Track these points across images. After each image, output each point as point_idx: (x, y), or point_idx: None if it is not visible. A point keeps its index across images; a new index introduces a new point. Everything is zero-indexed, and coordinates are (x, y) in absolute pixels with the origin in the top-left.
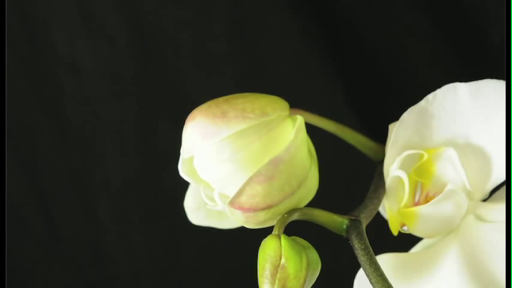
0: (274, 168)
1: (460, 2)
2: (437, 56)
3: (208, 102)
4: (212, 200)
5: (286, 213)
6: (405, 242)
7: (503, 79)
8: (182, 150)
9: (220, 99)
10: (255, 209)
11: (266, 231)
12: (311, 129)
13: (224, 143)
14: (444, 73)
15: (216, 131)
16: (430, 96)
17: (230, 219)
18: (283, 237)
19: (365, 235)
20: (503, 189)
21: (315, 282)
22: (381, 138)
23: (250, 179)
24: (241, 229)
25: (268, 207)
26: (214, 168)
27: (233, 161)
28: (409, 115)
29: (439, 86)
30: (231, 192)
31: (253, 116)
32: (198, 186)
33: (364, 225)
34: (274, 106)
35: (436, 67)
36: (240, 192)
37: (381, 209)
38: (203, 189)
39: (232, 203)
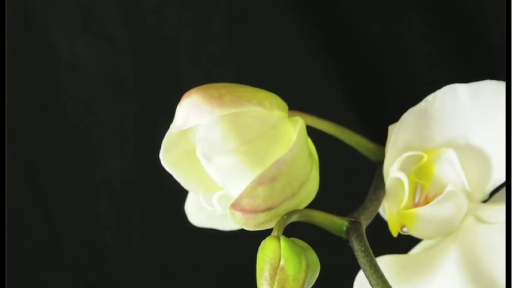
0: (277, 170)
1: (460, 2)
2: (437, 57)
3: (207, 84)
4: (211, 205)
5: (285, 215)
6: (405, 244)
7: (503, 80)
8: (172, 126)
9: (220, 84)
10: (255, 211)
11: (266, 233)
12: (310, 131)
13: (230, 132)
14: (444, 74)
15: (210, 110)
16: (429, 97)
17: (230, 221)
18: (282, 239)
19: (365, 237)
20: (503, 191)
21: (314, 284)
22: (380, 139)
23: (253, 181)
24: (241, 230)
25: (269, 208)
26: (220, 158)
27: (239, 151)
28: (409, 116)
29: (439, 87)
30: (233, 186)
31: (249, 104)
32: (196, 193)
33: (364, 227)
34: (272, 101)
35: (436, 68)
36: (242, 195)
37: (380, 211)
38: (202, 195)
39: (234, 205)
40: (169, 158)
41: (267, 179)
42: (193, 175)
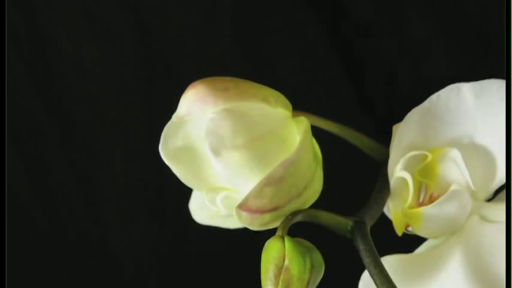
0: (284, 171)
1: (462, 2)
2: (441, 57)
3: (214, 77)
4: (215, 205)
5: (290, 215)
6: (410, 243)
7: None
8: (175, 115)
9: (226, 77)
10: (262, 211)
11: (270, 232)
12: (314, 130)
13: (239, 128)
14: (448, 73)
15: (214, 102)
16: (433, 97)
17: (234, 220)
18: (286, 239)
19: (369, 236)
20: None
21: (319, 284)
22: (385, 139)
23: (260, 182)
24: (245, 229)
25: (275, 209)
26: (228, 153)
27: (247, 148)
28: (413, 116)
29: (443, 86)
30: (238, 183)
31: (254, 99)
32: (195, 188)
33: (368, 227)
34: (277, 99)
35: (440, 67)
36: (249, 195)
37: (385, 210)
38: (206, 195)
39: (241, 205)
40: (169, 150)
41: (274, 180)
42: (192, 170)
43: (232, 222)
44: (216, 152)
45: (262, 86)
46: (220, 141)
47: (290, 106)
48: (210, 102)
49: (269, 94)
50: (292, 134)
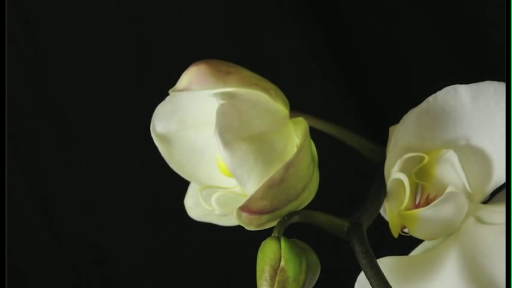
0: (285, 172)
1: (461, 2)
2: (438, 58)
3: (220, 60)
4: (210, 205)
5: (286, 216)
6: (406, 245)
7: (503, 80)
8: (172, 89)
9: (231, 63)
10: (261, 212)
11: (267, 232)
12: (311, 131)
13: (247, 118)
14: (445, 75)
15: (214, 82)
16: (430, 98)
17: (229, 218)
18: (283, 240)
19: (366, 238)
20: (504, 191)
21: (315, 285)
22: (381, 140)
23: (263, 184)
24: (242, 230)
25: (274, 210)
26: (237, 141)
27: (254, 140)
28: (410, 117)
29: (440, 88)
30: (243, 174)
31: (255, 87)
32: (196, 190)
33: (364, 228)
34: (277, 93)
35: (437, 69)
36: (252, 197)
37: (381, 211)
38: (200, 194)
39: (243, 207)
40: (160, 131)
41: (276, 181)
42: (181, 157)
43: (227, 220)
44: (224, 138)
45: (264, 79)
46: (229, 128)
47: (288, 104)
48: (210, 82)
49: (270, 87)
50: (291, 134)
